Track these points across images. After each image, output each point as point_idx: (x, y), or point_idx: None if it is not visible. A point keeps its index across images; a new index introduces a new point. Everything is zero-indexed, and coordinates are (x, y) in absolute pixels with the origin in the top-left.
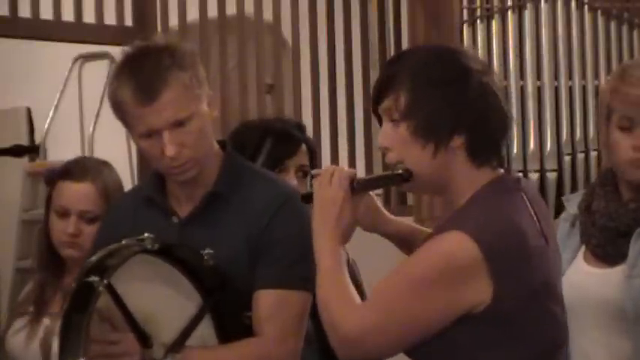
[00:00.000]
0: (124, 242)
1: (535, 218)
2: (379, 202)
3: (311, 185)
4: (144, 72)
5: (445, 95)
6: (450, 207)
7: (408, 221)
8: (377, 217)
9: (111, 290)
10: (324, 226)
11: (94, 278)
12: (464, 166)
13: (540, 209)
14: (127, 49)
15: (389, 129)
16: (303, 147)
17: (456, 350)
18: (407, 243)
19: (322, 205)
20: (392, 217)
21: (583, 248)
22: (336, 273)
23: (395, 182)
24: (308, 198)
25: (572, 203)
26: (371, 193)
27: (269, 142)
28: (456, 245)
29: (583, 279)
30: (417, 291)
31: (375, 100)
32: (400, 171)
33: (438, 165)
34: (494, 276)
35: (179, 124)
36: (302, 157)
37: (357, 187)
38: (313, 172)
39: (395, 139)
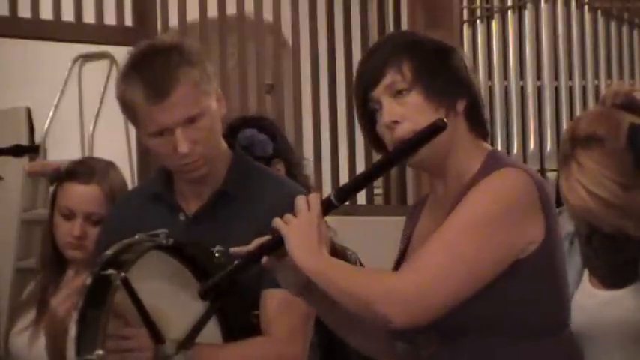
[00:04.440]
0: (137, 237)
1: None
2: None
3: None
4: (153, 70)
5: (445, 61)
6: (453, 183)
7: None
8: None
9: (126, 284)
10: (311, 250)
11: (111, 271)
12: (467, 133)
13: None
14: (132, 49)
15: (395, 103)
16: None
17: (500, 303)
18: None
19: (301, 235)
20: None
21: (587, 271)
22: (344, 266)
23: (430, 136)
24: (207, 293)
25: (567, 220)
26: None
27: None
28: (515, 176)
29: (595, 303)
30: (481, 230)
31: (370, 82)
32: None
33: (448, 131)
34: (544, 211)
35: (190, 120)
36: None
37: (347, 192)
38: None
39: (406, 109)
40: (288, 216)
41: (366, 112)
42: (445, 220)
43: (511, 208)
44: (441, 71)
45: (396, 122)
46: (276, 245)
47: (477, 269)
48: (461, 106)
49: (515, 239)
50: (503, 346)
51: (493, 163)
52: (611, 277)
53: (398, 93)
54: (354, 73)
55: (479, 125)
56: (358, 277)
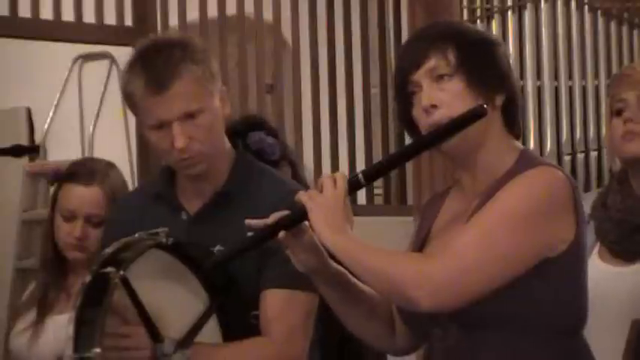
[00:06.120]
0: (137, 235)
1: None
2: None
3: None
4: (156, 64)
5: (489, 53)
6: (483, 177)
7: (408, 222)
8: (321, 256)
9: (125, 282)
10: (336, 227)
11: (110, 269)
12: (501, 129)
13: None
14: (140, 42)
15: (435, 88)
16: None
17: (523, 301)
18: (345, 284)
19: (326, 211)
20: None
21: (597, 246)
22: (371, 246)
23: (469, 121)
24: (217, 266)
25: (586, 202)
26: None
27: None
28: (552, 175)
29: (599, 277)
30: (517, 224)
31: (413, 65)
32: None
33: (483, 122)
34: (576, 212)
35: (189, 116)
36: None
37: (376, 171)
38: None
39: (445, 95)
40: (312, 191)
41: (404, 94)
42: (478, 212)
43: (547, 205)
44: (484, 62)
45: (434, 106)
46: (297, 220)
47: (509, 262)
48: (499, 100)
49: (548, 237)
50: (523, 344)
51: (528, 161)
52: (621, 244)
53: (439, 78)
54: (354, 73)
55: (513, 123)
56: (387, 258)
